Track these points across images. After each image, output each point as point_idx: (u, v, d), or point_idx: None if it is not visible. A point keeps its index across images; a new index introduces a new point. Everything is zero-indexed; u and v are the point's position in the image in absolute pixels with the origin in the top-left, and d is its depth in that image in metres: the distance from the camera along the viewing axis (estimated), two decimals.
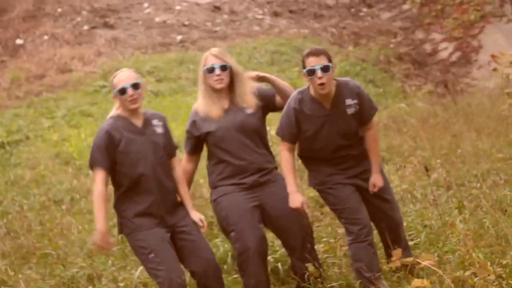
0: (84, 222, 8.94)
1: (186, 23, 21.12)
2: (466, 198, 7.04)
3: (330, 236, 6.72)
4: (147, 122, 5.59)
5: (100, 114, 14.53)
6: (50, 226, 8.76)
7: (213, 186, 5.82)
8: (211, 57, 5.71)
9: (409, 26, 21.03)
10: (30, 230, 8.68)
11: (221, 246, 6.71)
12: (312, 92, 5.57)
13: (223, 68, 5.66)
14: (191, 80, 16.72)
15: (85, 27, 20.20)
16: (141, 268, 6.41)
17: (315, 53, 5.47)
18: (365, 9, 22.31)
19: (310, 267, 5.60)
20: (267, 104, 5.84)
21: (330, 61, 5.43)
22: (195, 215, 5.61)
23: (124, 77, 5.48)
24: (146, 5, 21.93)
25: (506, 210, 6.39)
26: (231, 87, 5.77)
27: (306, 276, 5.66)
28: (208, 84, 5.69)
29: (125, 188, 5.51)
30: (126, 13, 21.25)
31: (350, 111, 5.58)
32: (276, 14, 22.08)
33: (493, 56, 11.79)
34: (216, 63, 5.65)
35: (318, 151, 5.65)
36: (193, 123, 5.75)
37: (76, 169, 11.59)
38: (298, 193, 5.57)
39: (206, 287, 5.54)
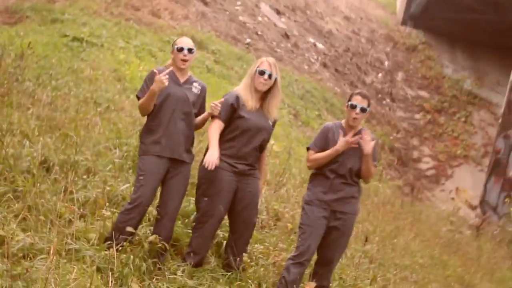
0: (106, 128, 8.94)
1: (259, 33, 21.10)
2: (380, 276, 7.07)
3: (270, 244, 6.72)
4: (188, 80, 5.71)
5: (162, 59, 14.50)
6: (82, 116, 8.71)
7: None
8: (266, 63, 5.69)
9: (411, 131, 21.06)
10: (66, 110, 8.62)
11: (192, 204, 6.70)
12: (343, 123, 5.67)
13: (271, 76, 5.66)
14: (239, 75, 16.69)
15: None
16: (127, 185, 6.48)
17: (362, 95, 5.62)
18: (388, 100, 22.32)
19: (245, 256, 5.60)
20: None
21: (369, 106, 5.60)
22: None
23: (185, 40, 5.70)
24: (239, 3, 21.90)
25: None
26: (265, 94, 5.76)
27: (238, 261, 5.64)
28: (254, 82, 5.67)
29: (151, 120, 5.61)
30: (221, 0, 21.24)
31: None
32: (324, 65, 22.06)
33: (457, 189, 11.95)
34: (268, 70, 5.64)
35: (330, 169, 5.65)
36: (237, 99, 5.67)
37: (123, 89, 11.56)
38: None
39: (159, 221, 5.55)
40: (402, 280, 7.20)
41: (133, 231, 5.20)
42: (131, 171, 7.23)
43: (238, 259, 5.59)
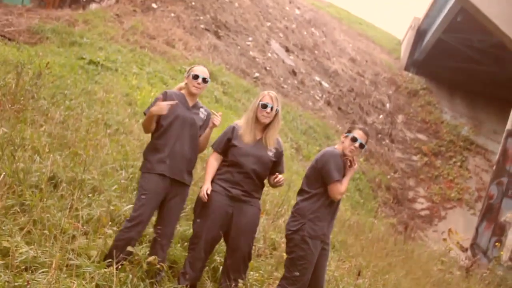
0: (114, 150, 8.92)
1: (268, 68, 21.19)
2: None
3: (265, 273, 6.65)
4: (196, 105, 5.72)
5: (173, 88, 14.55)
6: (92, 136, 8.69)
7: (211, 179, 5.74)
8: (268, 96, 5.69)
9: (408, 172, 21.01)
10: (77, 130, 8.60)
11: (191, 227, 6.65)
12: (339, 151, 5.62)
13: (272, 109, 5.66)
14: (245, 107, 16.74)
15: (202, 26, 20.29)
16: (130, 205, 6.41)
17: (364, 131, 5.62)
18: (387, 141, 22.31)
19: (240, 283, 5.53)
20: (274, 161, 5.80)
21: (367, 142, 5.62)
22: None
23: (201, 69, 5.71)
24: (250, 38, 22.04)
25: None
26: (266, 126, 5.75)
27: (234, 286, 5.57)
28: (256, 115, 5.67)
29: (157, 139, 5.58)
30: (234, 35, 21.36)
31: None
32: (328, 103, 22.11)
33: (449, 230, 11.89)
34: (270, 103, 5.64)
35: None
36: (233, 130, 5.71)
37: (134, 113, 11.56)
38: None
39: (157, 242, 5.49)
40: None
41: (132, 250, 5.14)
42: (135, 192, 7.17)
43: (233, 285, 5.51)
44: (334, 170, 5.49)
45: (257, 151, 5.65)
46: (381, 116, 23.46)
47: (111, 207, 6.09)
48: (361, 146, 5.54)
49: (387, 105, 24.26)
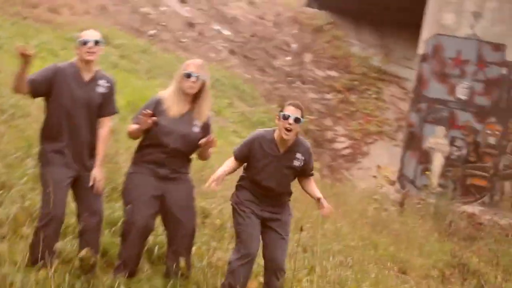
0: (14, 137, 8.55)
1: (163, 23, 20.80)
2: (317, 265, 7.04)
3: (202, 244, 6.58)
4: (93, 78, 5.39)
5: (65, 58, 14.01)
6: None
7: (134, 162, 5.63)
8: (192, 65, 5.52)
9: (324, 112, 21.25)
10: None
11: (118, 211, 6.48)
12: (275, 135, 5.54)
13: (198, 78, 5.49)
14: (145, 69, 16.42)
15: None
16: None
17: (296, 105, 5.53)
18: (298, 83, 22.41)
19: (182, 262, 5.45)
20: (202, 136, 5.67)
21: (302, 117, 5.49)
22: (96, 172, 5.38)
23: (90, 33, 5.39)
24: None
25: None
26: (195, 98, 5.58)
27: (174, 267, 5.48)
28: (181, 86, 5.49)
29: (50, 124, 5.33)
30: None
31: (296, 163, 5.59)
32: (232, 53, 21.95)
33: (378, 166, 12.13)
34: (195, 72, 5.47)
35: (258, 180, 5.57)
36: (156, 104, 5.53)
37: None
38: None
39: (84, 232, 5.33)
40: (339, 265, 7.21)
41: (57, 248, 4.95)
42: None
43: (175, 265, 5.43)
44: (240, 147, 5.68)
45: (183, 127, 5.50)
46: (288, 58, 23.51)
47: (26, 203, 5.82)
48: (297, 120, 5.43)
49: (293, 45, 24.30)
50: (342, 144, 19.93)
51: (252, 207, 5.59)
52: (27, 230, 5.36)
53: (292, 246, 7.08)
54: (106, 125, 5.50)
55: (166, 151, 5.48)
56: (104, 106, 5.45)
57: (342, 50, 24.54)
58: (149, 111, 5.35)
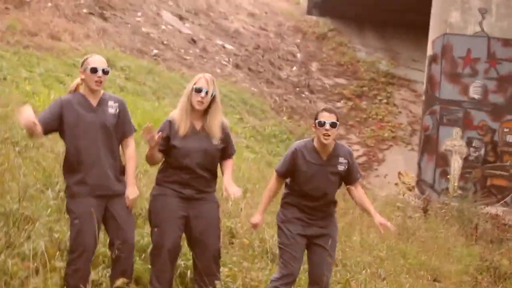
0: (31, 169, 8.60)
1: (165, 42, 20.90)
2: (351, 278, 7.07)
3: (234, 265, 6.61)
4: (101, 102, 5.40)
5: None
6: (3, 159, 8.33)
7: (158, 183, 5.67)
8: (203, 79, 5.58)
9: None
10: None
11: (146, 237, 6.52)
12: (315, 143, 5.67)
13: (207, 93, 5.51)
14: (152, 89, 16.49)
15: (84, 10, 19.74)
16: None
17: (329, 110, 5.71)
18: (306, 93, 22.48)
19: (218, 284, 5.47)
20: (222, 147, 5.72)
21: (337, 120, 5.66)
22: (129, 191, 5.41)
23: (98, 60, 5.38)
24: (139, 14, 21.62)
25: None
26: (206, 112, 5.60)
27: None
28: (190, 101, 5.53)
29: (69, 156, 5.36)
30: (121, 13, 20.90)
31: (340, 168, 5.69)
32: (237, 67, 22.05)
33: (399, 173, 12.14)
34: (205, 87, 5.51)
35: (306, 191, 5.65)
36: (170, 126, 5.58)
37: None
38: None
39: (117, 261, 5.35)
40: (371, 278, 7.22)
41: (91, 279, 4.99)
42: None
43: None
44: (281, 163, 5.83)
45: (200, 144, 5.54)
46: (294, 68, 23.60)
47: (55, 235, 5.85)
48: (333, 125, 5.58)
49: (298, 55, 24.40)
50: (356, 152, 19.94)
51: (299, 225, 5.67)
52: (59, 264, 5.38)
53: None
54: (130, 145, 5.53)
55: (189, 172, 5.52)
56: (121, 126, 5.47)
57: (348, 56, 24.62)
58: (159, 134, 5.38)
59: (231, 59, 22.22)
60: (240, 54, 22.84)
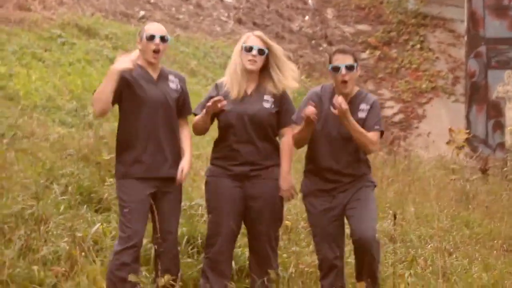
0: (26, 162, 8.83)
1: (152, 1, 21.04)
2: (416, 256, 7.28)
3: (282, 251, 6.79)
4: (162, 75, 5.71)
5: (52, 61, 14.38)
6: None
7: (211, 162, 5.91)
8: (254, 37, 5.79)
9: (362, 75, 21.45)
10: None
11: (179, 227, 6.75)
12: (335, 89, 5.70)
13: (261, 51, 5.71)
14: None
15: None
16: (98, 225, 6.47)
17: (343, 51, 5.71)
18: (325, 45, 22.63)
19: (272, 273, 5.68)
20: (279, 112, 5.85)
21: (355, 61, 5.65)
22: (184, 162, 5.65)
23: (156, 27, 5.71)
24: None
25: (449, 278, 6.69)
26: (264, 73, 5.80)
27: (265, 280, 5.69)
28: (241, 62, 5.73)
29: (125, 131, 5.63)
30: None
31: (361, 114, 5.66)
32: (240, 22, 22.19)
33: (451, 129, 12.29)
34: (257, 45, 5.71)
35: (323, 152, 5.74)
36: (216, 89, 5.81)
37: (22, 108, 11.39)
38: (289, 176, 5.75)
39: (162, 255, 5.58)
40: (437, 253, 7.42)
41: (136, 279, 5.22)
42: (86, 206, 7.24)
43: (265, 279, 5.68)
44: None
45: (251, 106, 5.72)
46: (307, 18, 23.70)
47: (78, 234, 6.10)
48: (350, 68, 5.58)
49: (309, 1, 24.48)
50: (391, 110, 20.16)
51: (324, 201, 5.76)
52: (87, 265, 5.63)
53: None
54: (186, 125, 5.83)
55: (240, 140, 5.72)
56: (180, 105, 5.75)
57: None
58: (217, 97, 5.54)
59: (231, 14, 22.36)
60: (241, 6, 22.95)
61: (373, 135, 5.60)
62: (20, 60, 14.16)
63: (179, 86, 5.75)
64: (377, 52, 22.25)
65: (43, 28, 16.37)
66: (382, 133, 5.74)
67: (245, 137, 5.73)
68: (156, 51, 5.59)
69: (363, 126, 5.59)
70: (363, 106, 5.67)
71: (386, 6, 24.06)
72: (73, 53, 15.36)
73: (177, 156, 5.69)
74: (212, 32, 20.74)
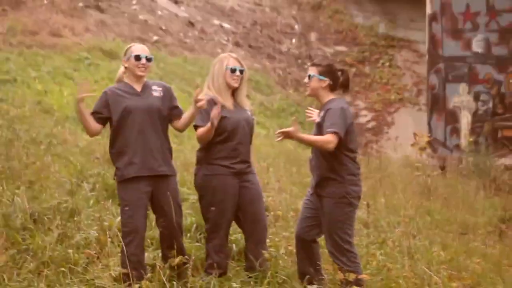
0: (60, 165, 8.96)
1: (163, 28, 21.15)
2: (386, 238, 7.44)
3: (274, 236, 6.90)
4: (146, 86, 5.63)
5: (81, 80, 14.46)
6: (33, 159, 8.68)
7: (208, 162, 5.82)
8: (233, 59, 5.87)
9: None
10: (18, 157, 8.56)
11: (188, 217, 6.89)
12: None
13: (241, 71, 5.85)
14: (159, 75, 16.77)
15: (80, 4, 19.99)
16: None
17: (315, 64, 5.71)
18: (309, 64, 22.70)
19: (266, 253, 5.79)
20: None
21: (319, 72, 5.57)
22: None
23: (141, 47, 5.64)
24: (134, 2, 21.86)
25: (412, 256, 6.84)
26: (236, 90, 5.89)
27: (258, 261, 5.76)
28: (226, 81, 5.79)
29: (117, 140, 5.58)
30: (116, 3, 21.12)
31: (318, 120, 5.64)
32: (237, 45, 22.33)
33: (415, 133, 12.47)
34: (238, 66, 5.84)
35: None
36: (213, 102, 5.67)
37: (56, 120, 11.52)
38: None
39: (167, 237, 5.62)
40: (403, 236, 7.56)
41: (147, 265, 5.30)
42: (111, 200, 7.36)
43: (260, 259, 5.79)
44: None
45: (241, 115, 5.86)
46: (293, 40, 23.87)
47: (105, 223, 6.23)
48: (309, 77, 5.61)
49: (296, 27, 24.65)
50: (365, 118, 20.31)
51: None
52: (114, 249, 5.77)
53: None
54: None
55: (239, 141, 5.81)
56: (167, 109, 5.65)
57: (346, 23, 24.85)
58: (217, 108, 5.52)
59: (230, 38, 22.50)
60: (238, 31, 23.10)
61: (327, 136, 5.38)
62: (53, 79, 14.30)
63: (161, 94, 5.65)
64: (353, 69, 22.40)
65: (72, 52, 16.49)
66: (336, 133, 5.39)
67: (244, 139, 5.87)
68: (142, 68, 5.54)
69: (321, 129, 5.55)
70: (322, 113, 5.60)
71: (360, 30, 24.25)
72: (98, 73, 15.49)
73: (166, 155, 5.66)
74: (214, 53, 20.83)
